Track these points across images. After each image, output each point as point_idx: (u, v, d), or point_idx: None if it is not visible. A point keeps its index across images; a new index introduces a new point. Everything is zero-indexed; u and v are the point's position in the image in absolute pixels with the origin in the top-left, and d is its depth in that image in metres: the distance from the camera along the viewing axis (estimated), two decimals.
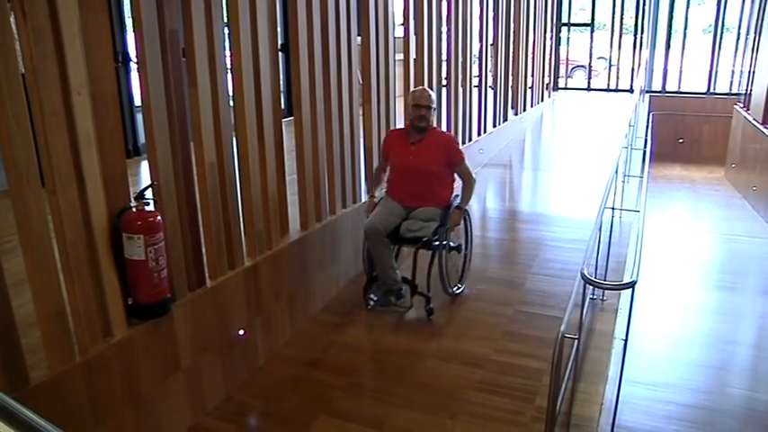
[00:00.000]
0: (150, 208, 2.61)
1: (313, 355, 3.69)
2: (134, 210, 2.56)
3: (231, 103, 3.27)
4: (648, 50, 13.27)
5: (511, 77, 9.58)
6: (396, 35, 5.33)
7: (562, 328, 2.26)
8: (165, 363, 2.84)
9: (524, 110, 10.66)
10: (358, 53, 4.67)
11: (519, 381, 3.42)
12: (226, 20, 3.19)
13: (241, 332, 3.36)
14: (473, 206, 6.93)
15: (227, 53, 3.22)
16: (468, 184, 4.17)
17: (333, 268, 4.36)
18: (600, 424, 3.06)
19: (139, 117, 5.47)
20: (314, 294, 4.12)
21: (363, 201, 4.59)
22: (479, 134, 8.22)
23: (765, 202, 8.08)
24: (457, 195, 4.22)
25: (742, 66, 11.87)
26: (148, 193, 2.63)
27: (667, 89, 13.36)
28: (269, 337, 3.61)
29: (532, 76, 11.23)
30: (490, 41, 8.56)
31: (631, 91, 13.36)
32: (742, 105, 10.43)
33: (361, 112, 4.80)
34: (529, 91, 11.02)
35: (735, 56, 12.49)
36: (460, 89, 7.25)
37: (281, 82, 3.86)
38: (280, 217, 3.76)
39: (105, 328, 2.53)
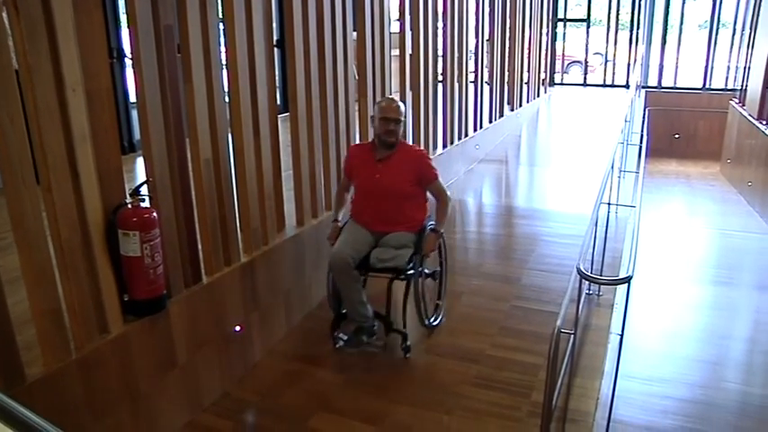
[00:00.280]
0: (146, 204, 2.62)
1: (309, 350, 3.69)
2: (129, 206, 2.56)
3: (227, 99, 3.27)
4: (644, 46, 13.27)
5: (507, 73, 9.57)
6: (392, 30, 5.32)
7: (558, 323, 2.27)
8: (161, 359, 2.84)
9: (520, 105, 10.66)
10: (354, 49, 4.66)
11: (515, 376, 3.43)
12: (221, 15, 3.18)
13: (237, 328, 3.36)
14: (468, 202, 6.94)
15: (223, 49, 3.21)
16: (444, 203, 3.67)
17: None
18: (596, 418, 3.07)
19: (135, 113, 5.44)
20: (310, 290, 4.12)
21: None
22: (475, 130, 8.22)
23: (761, 197, 8.09)
24: (430, 216, 3.73)
25: (737, 61, 11.88)
26: (144, 190, 2.63)
27: (663, 85, 13.38)
28: (265, 333, 3.61)
29: (528, 71, 11.22)
30: (486, 37, 8.55)
31: (627, 86, 13.39)
32: (737, 101, 10.45)
33: (356, 108, 4.79)
34: (525, 86, 11.02)
35: (730, 51, 12.50)
36: (456, 85, 7.24)
37: (277, 78, 3.85)
38: (276, 213, 3.75)
39: (101, 324, 2.53)
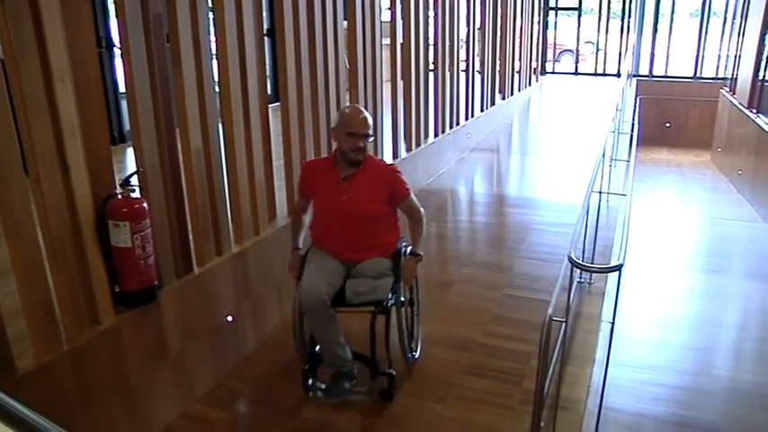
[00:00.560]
0: (136, 195, 2.60)
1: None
2: (120, 197, 2.54)
3: (217, 89, 3.25)
4: (636, 34, 13.28)
5: (498, 62, 9.56)
6: (382, 19, 5.30)
7: (549, 311, 2.27)
8: (152, 350, 2.83)
9: (512, 94, 10.66)
10: (344, 38, 4.64)
11: (507, 364, 3.44)
12: (210, 4, 3.16)
13: (229, 318, 3.35)
14: (460, 191, 6.95)
15: (212, 38, 3.19)
16: (419, 222, 3.23)
17: None
18: (587, 406, 3.09)
19: (124, 103, 5.41)
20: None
21: None
22: (467, 118, 8.22)
23: (751, 185, 8.14)
24: (403, 238, 3.28)
25: (728, 50, 11.91)
26: (134, 180, 2.62)
27: (654, 73, 13.40)
28: (258, 323, 3.61)
29: (520, 60, 11.21)
30: (477, 26, 8.53)
31: (618, 75, 13.40)
32: (728, 90, 10.48)
33: (347, 97, 4.78)
34: (516, 75, 11.01)
35: (721, 40, 12.52)
36: (448, 74, 7.22)
37: (268, 67, 3.83)
38: (267, 203, 3.75)
39: (92, 315, 2.52)
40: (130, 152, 2.84)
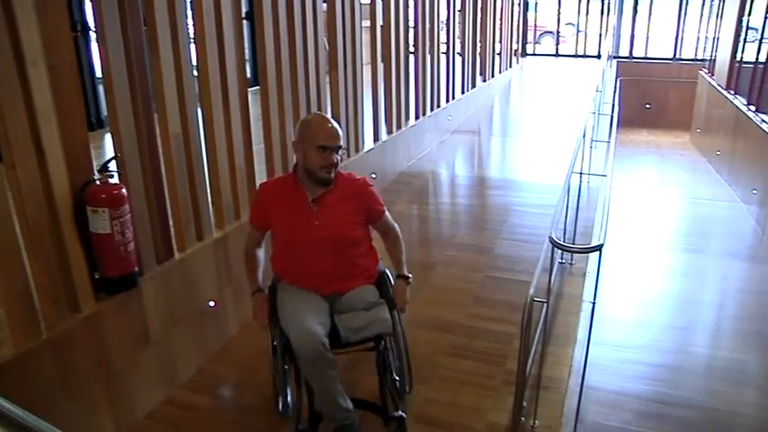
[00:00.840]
0: (114, 180, 2.57)
1: None
2: (98, 183, 2.51)
3: (195, 73, 3.21)
4: (616, 16, 13.31)
5: (479, 44, 9.54)
6: (362, 1, 5.26)
7: (531, 291, 2.29)
8: (134, 336, 2.81)
9: (492, 76, 10.66)
10: (324, 20, 4.60)
11: (489, 345, 3.47)
12: None
13: (211, 303, 3.34)
14: (441, 174, 6.96)
15: (190, 21, 3.14)
16: (396, 241, 2.80)
17: None
18: (569, 385, 3.12)
19: (102, 88, 5.34)
20: None
21: None
22: (447, 101, 8.21)
23: (728, 166, 8.22)
24: (381, 260, 2.84)
25: (707, 32, 11.98)
26: (112, 166, 2.59)
27: (634, 55, 13.45)
28: (240, 307, 3.59)
29: (500, 42, 11.21)
30: (458, 7, 8.50)
31: (599, 57, 13.44)
32: (707, 71, 10.55)
33: (327, 80, 4.75)
34: (497, 57, 11.01)
35: (700, 22, 12.58)
36: (428, 56, 7.20)
37: (247, 50, 3.79)
38: (248, 187, 3.72)
39: (72, 303, 2.50)
40: (109, 138, 2.79)
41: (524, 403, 2.56)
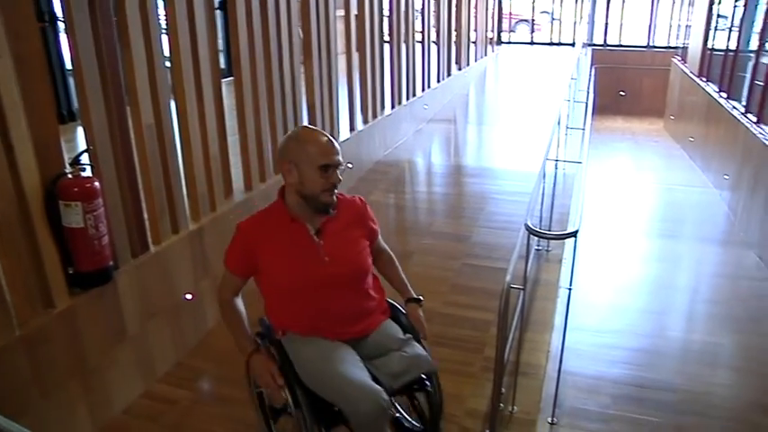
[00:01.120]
0: (87, 174, 2.53)
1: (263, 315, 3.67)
2: (70, 176, 2.47)
3: (168, 64, 3.17)
4: (590, 3, 13.38)
5: (454, 32, 9.54)
6: None
7: (507, 279, 2.30)
8: (110, 331, 2.78)
9: (468, 65, 10.67)
10: (298, 9, 4.56)
11: (467, 332, 3.48)
12: None
13: (188, 296, 3.32)
14: (418, 162, 6.96)
15: (162, 11, 3.10)
16: (392, 259, 2.48)
17: None
18: (547, 371, 3.15)
19: (72, 81, 5.26)
20: None
21: None
22: (423, 90, 8.20)
23: (701, 152, 8.33)
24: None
25: (679, 19, 12.10)
26: (84, 159, 2.54)
27: (608, 43, 13.54)
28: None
29: (476, 30, 11.21)
30: None
31: (574, 45, 13.51)
32: (679, 58, 10.65)
33: (302, 69, 4.72)
34: (472, 46, 11.02)
35: (672, 9, 12.70)
36: (403, 45, 7.18)
37: (220, 41, 3.75)
38: (223, 178, 3.69)
39: (46, 299, 2.46)
40: (81, 131, 2.75)
41: (503, 389, 2.57)
